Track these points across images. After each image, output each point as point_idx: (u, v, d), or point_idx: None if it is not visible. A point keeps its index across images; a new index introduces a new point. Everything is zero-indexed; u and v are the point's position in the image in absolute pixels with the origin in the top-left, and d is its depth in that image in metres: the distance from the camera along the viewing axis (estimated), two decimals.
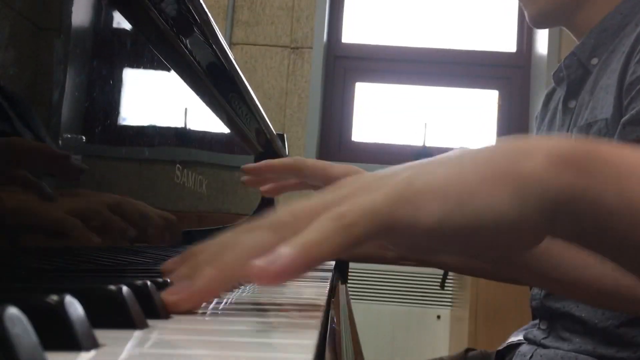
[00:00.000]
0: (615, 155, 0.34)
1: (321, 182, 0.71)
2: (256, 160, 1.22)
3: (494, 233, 0.34)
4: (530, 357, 0.95)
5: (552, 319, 0.93)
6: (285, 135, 1.38)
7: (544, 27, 1.08)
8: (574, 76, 0.96)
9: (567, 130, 0.96)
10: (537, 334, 0.96)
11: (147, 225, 0.66)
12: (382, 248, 0.56)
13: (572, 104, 0.97)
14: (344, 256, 0.60)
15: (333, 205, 0.35)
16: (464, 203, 0.33)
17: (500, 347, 1.07)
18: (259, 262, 0.33)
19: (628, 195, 0.33)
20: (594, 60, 0.93)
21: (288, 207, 0.38)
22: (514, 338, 1.06)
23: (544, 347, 0.94)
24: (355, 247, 0.35)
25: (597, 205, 0.33)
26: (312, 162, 0.72)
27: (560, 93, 1.03)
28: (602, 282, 0.59)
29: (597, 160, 0.34)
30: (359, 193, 0.36)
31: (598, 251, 0.36)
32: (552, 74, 1.04)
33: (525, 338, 1.00)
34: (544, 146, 0.34)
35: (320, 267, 0.88)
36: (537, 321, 0.99)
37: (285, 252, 0.33)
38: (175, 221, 0.74)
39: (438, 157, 0.37)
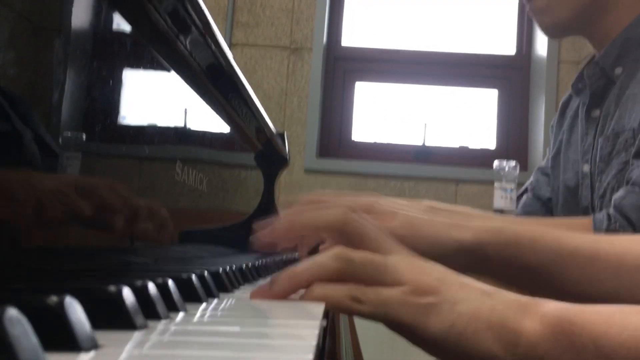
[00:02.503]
0: (592, 320, 0.42)
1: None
2: (256, 159, 1.22)
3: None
4: None
5: None
6: (285, 134, 1.38)
7: (560, 37, 1.05)
8: (596, 86, 0.95)
9: (594, 139, 0.95)
10: None
11: (151, 223, 0.66)
12: None
13: (595, 113, 0.96)
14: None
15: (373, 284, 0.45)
16: (463, 338, 0.43)
17: None
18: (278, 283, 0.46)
19: (602, 352, 0.41)
20: (618, 70, 0.92)
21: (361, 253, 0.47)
22: None
23: None
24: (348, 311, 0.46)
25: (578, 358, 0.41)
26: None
27: (577, 101, 1.03)
28: (615, 297, 0.60)
29: (578, 324, 0.42)
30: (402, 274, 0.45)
31: None
32: (570, 84, 1.03)
33: None
34: (539, 312, 0.43)
35: None
36: None
37: (310, 292, 0.44)
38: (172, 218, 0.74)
39: (471, 284, 0.46)
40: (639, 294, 0.54)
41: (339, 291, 0.44)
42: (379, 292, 0.44)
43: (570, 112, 1.06)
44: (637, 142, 0.82)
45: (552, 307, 0.44)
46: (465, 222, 0.63)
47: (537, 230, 0.63)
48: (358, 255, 0.46)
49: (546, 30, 0.97)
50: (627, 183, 0.82)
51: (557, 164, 1.07)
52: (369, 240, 0.50)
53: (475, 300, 0.44)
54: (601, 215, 0.78)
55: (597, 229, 0.77)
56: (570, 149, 1.03)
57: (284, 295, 0.46)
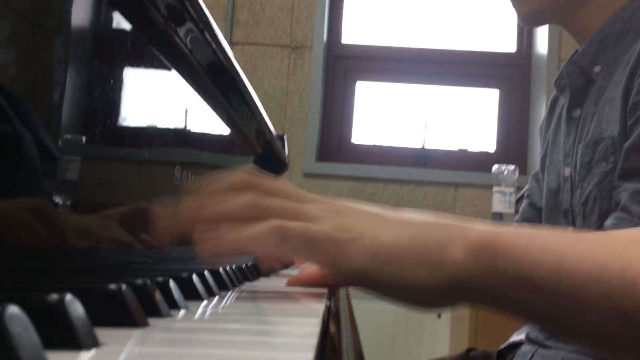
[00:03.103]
0: (515, 243, 0.44)
1: None
2: (256, 163, 1.22)
3: (405, 292, 0.45)
4: (531, 357, 0.94)
5: None
6: (285, 136, 1.38)
7: (535, 26, 1.05)
8: (576, 85, 0.94)
9: (574, 143, 0.94)
10: (539, 334, 0.96)
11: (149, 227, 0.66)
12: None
13: (576, 113, 0.95)
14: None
15: (294, 215, 0.46)
16: (387, 266, 0.44)
17: (502, 347, 1.07)
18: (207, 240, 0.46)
19: (523, 272, 0.42)
20: (597, 68, 0.91)
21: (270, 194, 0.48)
22: (516, 337, 1.06)
23: (545, 347, 0.93)
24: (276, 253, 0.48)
25: (498, 283, 0.43)
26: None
27: (562, 100, 1.02)
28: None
29: (500, 247, 0.43)
30: (319, 217, 0.46)
31: (512, 317, 0.46)
32: (553, 81, 1.02)
33: (527, 338, 0.99)
34: (461, 236, 0.44)
35: None
36: None
37: (225, 238, 0.45)
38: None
39: (391, 216, 0.47)
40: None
41: (262, 227, 0.44)
42: (306, 226, 0.45)
43: (557, 111, 1.05)
44: (620, 160, 0.80)
45: (475, 232, 0.44)
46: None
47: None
48: (269, 201, 0.46)
49: (523, 19, 0.97)
50: (616, 206, 0.81)
51: (544, 166, 1.07)
52: (283, 210, 0.48)
53: (396, 230, 0.45)
54: None
55: None
56: (555, 150, 1.02)
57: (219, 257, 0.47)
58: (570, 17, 0.95)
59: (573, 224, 0.94)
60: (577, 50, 0.98)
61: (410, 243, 0.44)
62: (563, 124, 0.98)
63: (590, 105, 0.91)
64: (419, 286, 0.44)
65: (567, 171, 0.95)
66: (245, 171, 0.51)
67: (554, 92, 1.08)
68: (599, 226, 0.86)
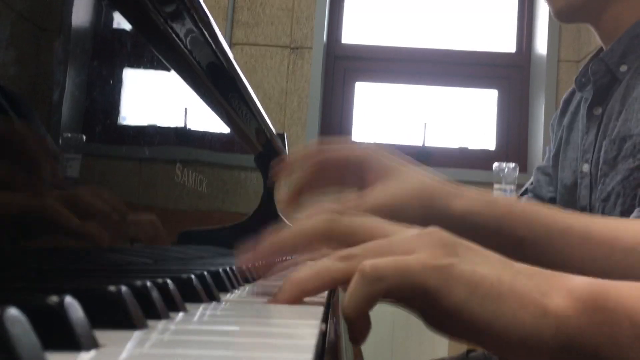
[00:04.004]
0: (627, 294, 0.39)
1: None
2: (256, 161, 1.22)
3: (504, 337, 0.39)
4: None
5: None
6: (285, 135, 1.38)
7: (570, 22, 1.04)
8: (600, 82, 0.94)
9: (595, 138, 0.94)
10: None
11: (147, 228, 0.66)
12: None
13: (598, 111, 0.95)
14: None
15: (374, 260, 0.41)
16: (488, 300, 0.39)
17: None
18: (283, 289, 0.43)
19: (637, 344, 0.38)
20: (623, 67, 0.91)
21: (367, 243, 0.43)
22: None
23: None
24: (378, 297, 0.41)
25: (612, 342, 0.39)
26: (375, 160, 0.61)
27: (578, 98, 1.02)
28: None
29: (612, 299, 0.39)
30: (410, 247, 0.42)
31: None
32: (574, 78, 1.02)
33: None
34: (566, 286, 0.40)
35: None
36: None
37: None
38: (167, 221, 0.74)
39: (489, 253, 0.43)
40: (631, 275, 0.51)
41: (354, 281, 0.40)
42: (396, 261, 0.40)
43: (571, 109, 1.05)
44: None
45: (581, 281, 0.41)
46: (458, 190, 0.61)
47: (530, 206, 0.62)
48: (389, 266, 0.40)
49: (557, 14, 0.96)
50: None
51: (557, 162, 1.07)
52: (364, 231, 0.45)
53: (495, 265, 0.41)
54: None
55: None
56: (569, 146, 1.02)
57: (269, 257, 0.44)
58: (601, 15, 0.94)
59: None
60: (600, 49, 0.97)
61: (512, 282, 0.40)
62: (582, 120, 0.98)
63: (615, 104, 0.90)
64: (523, 334, 0.39)
65: (586, 167, 0.95)
66: (321, 217, 0.47)
67: (567, 92, 1.08)
68: None
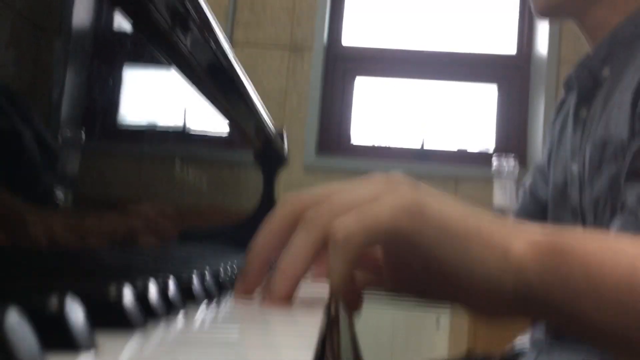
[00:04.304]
0: (583, 246, 0.41)
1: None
2: (256, 158, 1.22)
3: (469, 281, 0.40)
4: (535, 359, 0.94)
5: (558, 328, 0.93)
6: (284, 132, 1.38)
7: (550, 19, 1.05)
8: (584, 86, 0.95)
9: (581, 140, 0.94)
10: (543, 338, 0.96)
11: (147, 228, 0.66)
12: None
13: (583, 113, 0.95)
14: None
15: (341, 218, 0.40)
16: (457, 241, 0.40)
17: (506, 352, 1.07)
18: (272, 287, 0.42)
19: (593, 280, 0.39)
20: (606, 71, 0.92)
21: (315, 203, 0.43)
22: (519, 342, 1.06)
23: (549, 352, 0.94)
24: (358, 257, 0.41)
25: (566, 288, 0.40)
26: None
27: (570, 100, 1.03)
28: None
29: (567, 249, 0.40)
30: (372, 192, 0.41)
31: (568, 331, 0.43)
32: (562, 82, 1.03)
33: (531, 342, 1.00)
34: (525, 234, 0.41)
35: None
36: (542, 325, 0.99)
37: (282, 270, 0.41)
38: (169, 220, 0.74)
39: (447, 195, 0.43)
40: None
41: (317, 233, 0.40)
42: (362, 212, 0.40)
43: (565, 110, 1.06)
44: (627, 161, 0.81)
45: (541, 230, 0.42)
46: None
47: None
48: (355, 221, 0.40)
49: (537, 10, 0.97)
50: (622, 207, 0.81)
51: (550, 162, 1.07)
52: (326, 194, 0.43)
53: (459, 206, 0.42)
54: None
55: None
56: (561, 147, 1.03)
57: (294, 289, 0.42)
58: (584, 13, 0.94)
59: (583, 221, 0.94)
60: (587, 55, 0.98)
61: (478, 224, 0.41)
62: (570, 122, 0.99)
63: (597, 107, 0.91)
64: (487, 277, 0.40)
65: (575, 168, 0.95)
66: (286, 201, 0.45)
67: (563, 95, 1.08)
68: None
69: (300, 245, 0.41)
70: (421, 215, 0.40)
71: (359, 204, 0.40)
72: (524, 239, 0.41)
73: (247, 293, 0.44)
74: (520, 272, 0.40)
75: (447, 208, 0.41)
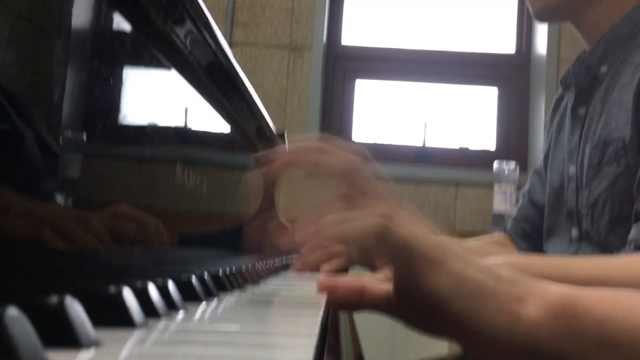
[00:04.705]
0: (596, 302, 0.42)
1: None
2: (257, 160, 1.22)
3: (479, 335, 0.42)
4: None
5: None
6: (285, 134, 1.38)
7: (548, 22, 1.06)
8: (582, 84, 0.94)
9: (579, 140, 0.94)
10: None
11: (146, 232, 0.66)
12: None
13: (581, 110, 0.95)
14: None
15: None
16: (470, 298, 0.42)
17: None
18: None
19: (607, 338, 0.40)
20: (604, 68, 0.91)
21: None
22: None
23: None
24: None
25: (579, 347, 0.40)
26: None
27: (567, 98, 1.02)
28: None
29: (580, 307, 0.41)
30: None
31: None
32: (559, 79, 1.03)
33: None
34: (539, 296, 0.42)
35: None
36: None
37: (328, 226, 0.45)
38: (169, 224, 0.74)
39: (472, 256, 0.44)
40: None
41: (370, 221, 0.43)
42: (413, 231, 0.43)
43: (561, 109, 1.06)
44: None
45: (556, 290, 0.43)
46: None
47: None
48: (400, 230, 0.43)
49: (535, 14, 0.98)
50: (637, 216, 0.80)
51: (547, 164, 1.07)
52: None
53: (482, 269, 0.43)
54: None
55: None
56: (558, 147, 1.03)
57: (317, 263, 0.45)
58: (580, 15, 0.95)
59: (578, 225, 0.93)
60: (584, 50, 0.98)
61: (495, 287, 0.43)
62: (567, 121, 0.99)
63: (596, 105, 0.91)
64: (496, 336, 0.42)
65: (572, 169, 0.95)
66: (373, 220, 0.45)
67: (559, 92, 1.08)
68: (610, 230, 0.85)
69: (360, 224, 0.44)
70: (441, 266, 0.42)
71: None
72: (538, 301, 0.42)
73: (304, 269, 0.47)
74: (531, 335, 0.41)
75: (468, 266, 0.43)
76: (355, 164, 0.48)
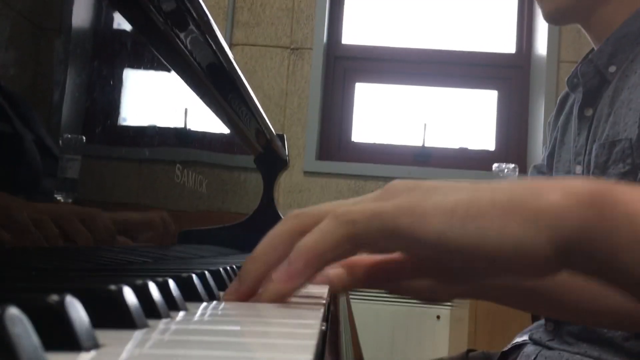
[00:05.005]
0: (627, 196, 0.37)
1: None
2: (256, 162, 1.22)
3: (498, 256, 0.36)
4: (535, 358, 0.94)
5: (559, 322, 0.93)
6: (285, 136, 1.38)
7: (560, 24, 1.05)
8: (590, 84, 0.95)
9: (586, 141, 0.94)
10: (543, 335, 0.96)
11: (147, 230, 0.66)
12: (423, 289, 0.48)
13: (588, 112, 0.95)
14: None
15: (345, 207, 0.40)
16: (468, 221, 0.36)
17: (506, 348, 1.07)
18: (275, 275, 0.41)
19: (639, 232, 0.35)
20: (612, 68, 0.91)
21: (304, 210, 0.43)
22: (519, 339, 1.06)
23: (549, 348, 0.93)
24: (360, 246, 0.40)
25: (610, 241, 0.36)
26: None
27: (573, 98, 1.02)
28: (621, 310, 0.58)
29: (610, 199, 0.36)
30: (373, 199, 0.40)
31: (612, 285, 0.39)
32: (566, 79, 1.02)
33: (531, 338, 0.99)
34: (560, 185, 0.37)
35: None
36: (543, 321, 0.98)
37: (291, 258, 0.40)
38: (171, 221, 0.74)
39: (459, 183, 0.39)
40: None
41: (326, 221, 0.39)
42: (365, 205, 0.39)
43: (566, 109, 1.05)
44: None
45: (579, 180, 0.37)
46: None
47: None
48: (358, 210, 0.39)
49: (547, 16, 0.97)
50: None
51: (551, 163, 1.07)
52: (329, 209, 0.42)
53: (468, 187, 0.38)
54: None
55: None
56: (563, 147, 1.03)
57: (305, 279, 0.41)
58: (591, 16, 0.95)
59: None
60: (592, 50, 0.98)
61: (492, 197, 0.37)
62: (574, 121, 0.98)
63: (604, 106, 0.91)
64: (516, 244, 0.36)
65: (579, 170, 0.95)
66: (290, 216, 0.44)
67: (564, 91, 1.08)
68: None
69: (320, 230, 0.40)
70: (422, 209, 0.38)
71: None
72: (559, 191, 0.36)
73: (238, 299, 0.43)
74: (556, 227, 0.36)
75: (452, 193, 0.38)
76: (290, 217, 0.43)
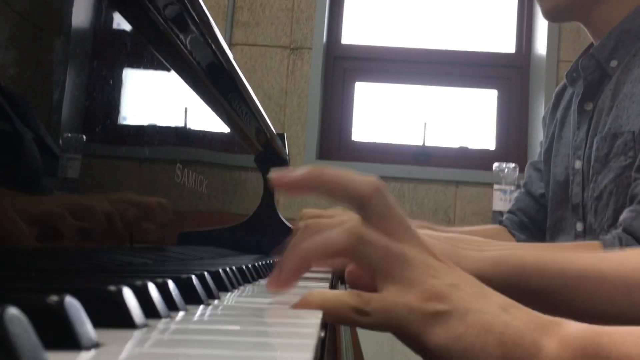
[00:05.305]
0: (620, 343, 0.39)
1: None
2: (256, 161, 1.22)
3: None
4: None
5: None
6: (285, 135, 1.38)
7: (559, 22, 1.05)
8: (591, 78, 0.94)
9: (587, 135, 0.94)
10: None
11: (147, 218, 0.66)
12: None
13: (588, 106, 0.95)
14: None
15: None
16: (475, 355, 0.39)
17: None
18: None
19: None
20: (614, 63, 0.91)
21: None
22: None
23: None
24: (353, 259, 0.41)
25: None
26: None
27: (570, 92, 1.02)
28: (630, 314, 0.58)
29: (603, 353, 0.38)
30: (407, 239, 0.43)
31: None
32: (565, 73, 1.03)
33: None
34: (560, 333, 0.40)
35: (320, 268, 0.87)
36: None
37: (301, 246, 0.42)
38: (170, 211, 0.74)
39: (490, 292, 0.42)
40: None
41: (340, 301, 0.40)
42: (384, 299, 0.40)
43: (563, 103, 1.05)
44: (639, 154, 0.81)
45: (574, 328, 0.40)
46: (463, 252, 0.60)
47: (540, 256, 0.61)
48: (374, 236, 0.41)
49: (546, 14, 0.97)
50: (632, 200, 0.80)
51: (548, 157, 1.07)
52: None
53: (489, 313, 0.40)
54: (611, 238, 0.76)
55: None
56: (561, 142, 1.03)
57: (294, 278, 0.42)
58: (590, 13, 0.95)
59: (583, 219, 0.94)
60: (591, 44, 0.98)
61: (502, 332, 0.39)
62: (573, 116, 0.98)
63: (606, 99, 0.91)
64: None
65: (578, 164, 0.95)
66: (345, 231, 0.43)
67: (559, 86, 1.08)
68: (613, 223, 0.85)
69: (330, 233, 0.42)
70: (440, 319, 0.40)
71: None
72: (556, 340, 0.39)
73: (279, 289, 0.44)
74: None
75: (474, 312, 0.40)
76: (379, 188, 0.44)
